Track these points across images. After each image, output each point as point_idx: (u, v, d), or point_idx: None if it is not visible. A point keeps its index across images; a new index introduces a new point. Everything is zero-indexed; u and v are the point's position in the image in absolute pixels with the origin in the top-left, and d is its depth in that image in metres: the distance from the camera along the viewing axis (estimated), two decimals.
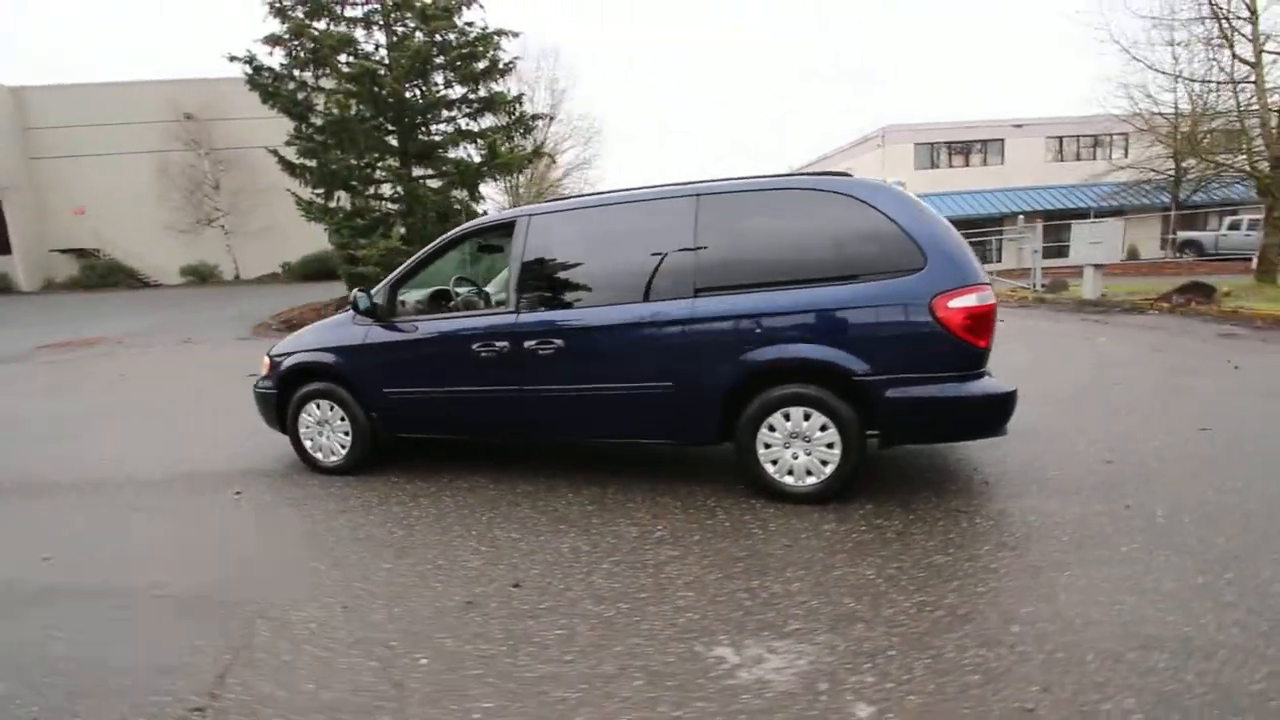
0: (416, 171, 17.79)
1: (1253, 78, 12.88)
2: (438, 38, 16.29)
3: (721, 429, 3.72)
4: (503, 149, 17.20)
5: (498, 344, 3.92)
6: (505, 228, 4.20)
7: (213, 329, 15.16)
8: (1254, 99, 13.12)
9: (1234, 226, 21.98)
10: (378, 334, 4.25)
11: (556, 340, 3.81)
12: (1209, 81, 13.97)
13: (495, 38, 16.74)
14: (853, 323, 3.40)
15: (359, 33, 16.66)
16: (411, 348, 4.18)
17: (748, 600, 2.70)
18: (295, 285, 23.64)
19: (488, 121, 18.26)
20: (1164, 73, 14.83)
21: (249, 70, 16.15)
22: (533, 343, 3.85)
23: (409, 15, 16.56)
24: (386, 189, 17.45)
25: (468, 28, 16.71)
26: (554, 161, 20.07)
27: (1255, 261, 17.68)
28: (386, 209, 17.53)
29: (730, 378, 3.58)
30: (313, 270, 24.42)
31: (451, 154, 17.85)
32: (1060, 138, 30.28)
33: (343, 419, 4.44)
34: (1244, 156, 13.70)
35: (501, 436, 4.20)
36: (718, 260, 3.62)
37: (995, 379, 3.42)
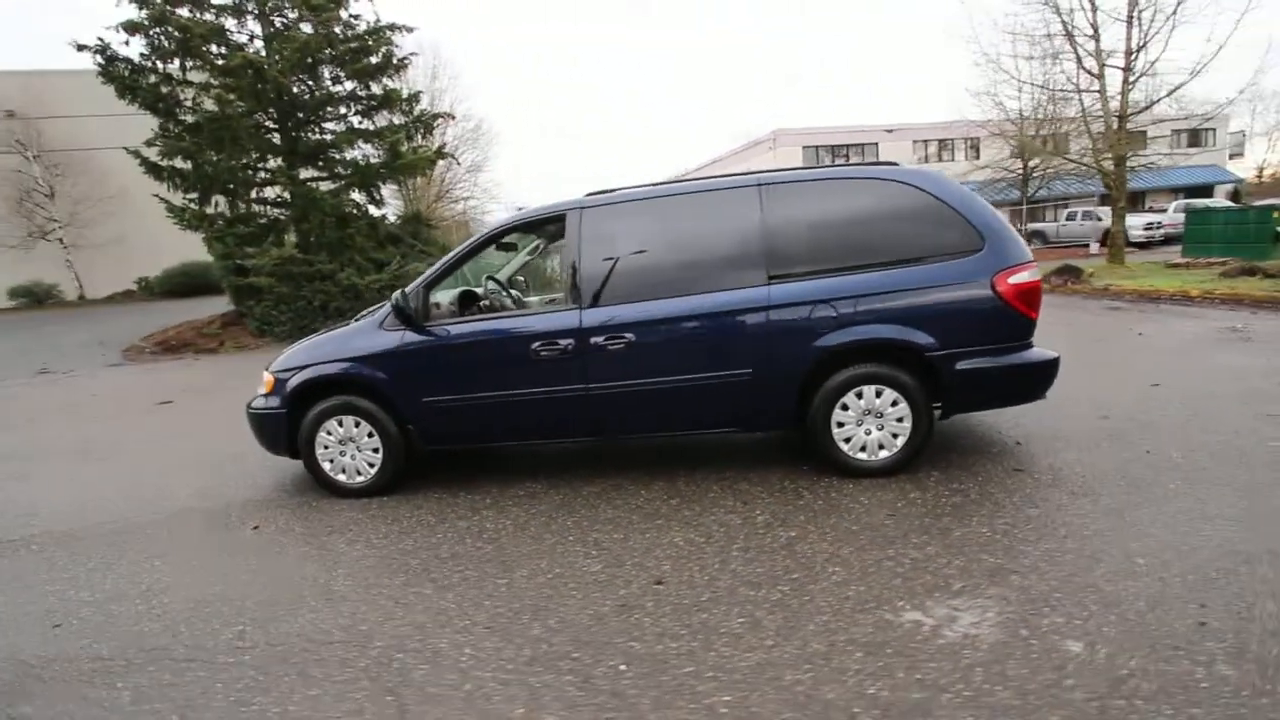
0: (306, 174, 16.51)
1: (1096, 87, 14.89)
2: (324, 30, 15.17)
3: (799, 412, 3.81)
4: (404, 150, 16.35)
5: (561, 342, 3.76)
6: (552, 222, 4.03)
7: (73, 357, 13.23)
8: (1096, 105, 15.17)
9: (1070, 217, 25.25)
10: (415, 339, 3.93)
11: (627, 335, 3.72)
12: (1063, 90, 15.96)
13: (387, 32, 15.87)
14: (923, 302, 3.60)
15: (230, 22, 15.17)
16: (459, 352, 3.91)
17: (897, 568, 2.80)
18: (158, 303, 21.09)
19: (384, 121, 17.28)
20: (1028, 82, 16.72)
21: (101, 61, 14.28)
22: (601, 339, 3.73)
23: (287, 4, 15.30)
24: (272, 192, 16.04)
25: (354, 20, 15.72)
26: (457, 163, 19.31)
27: (1096, 246, 20.35)
28: (274, 214, 16.14)
29: (809, 360, 3.68)
30: (178, 285, 21.92)
31: (346, 155, 16.75)
32: (925, 141, 33.55)
33: (371, 435, 4.06)
34: (1090, 156, 15.78)
35: (557, 438, 4.03)
36: (789, 247, 3.70)
37: (1041, 348, 3.76)
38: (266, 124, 15.95)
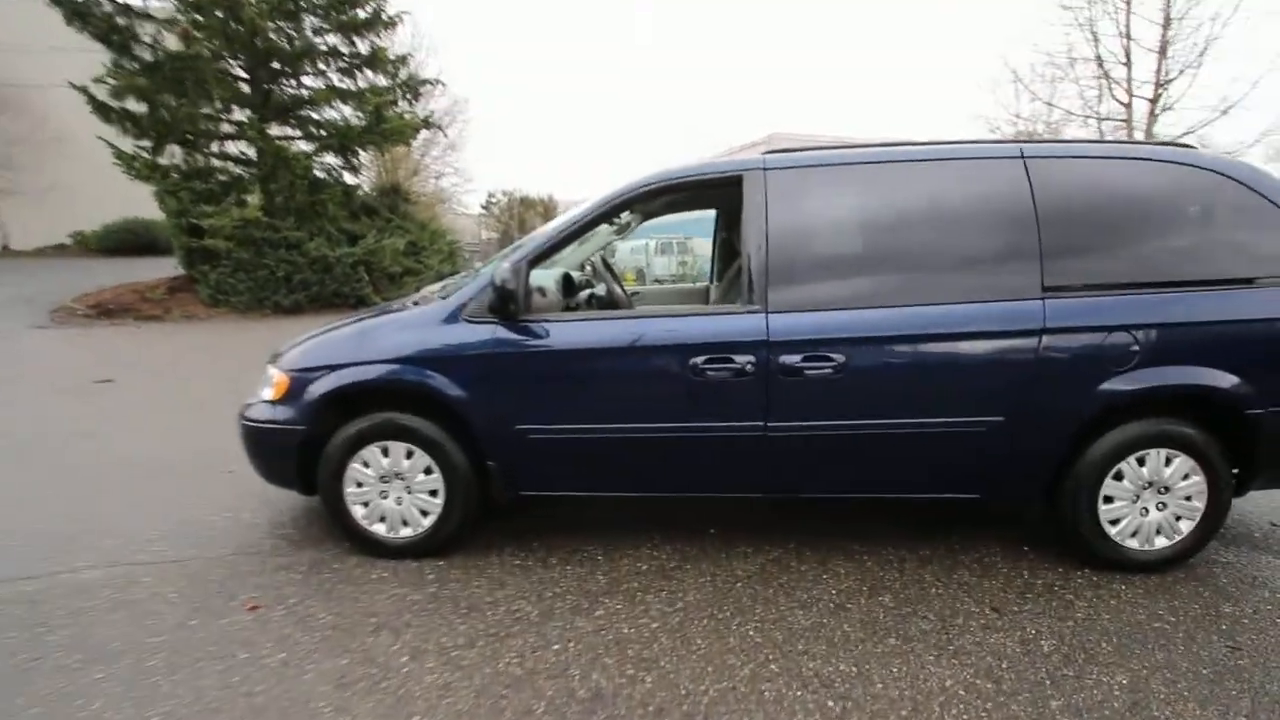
0: (278, 131, 14.78)
1: (1122, 115, 14.53)
2: None
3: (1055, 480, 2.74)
4: (390, 114, 14.79)
5: (738, 359, 2.59)
6: (720, 186, 2.85)
7: None
8: (1117, 132, 14.82)
9: None
10: (513, 338, 2.69)
11: (835, 355, 2.57)
12: (1080, 115, 15.59)
13: None
14: (1256, 340, 2.57)
15: None
16: (581, 362, 2.69)
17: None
18: (95, 260, 18.75)
19: (368, 82, 15.64)
20: (1064, 110, 16.27)
21: None
22: (795, 358, 2.58)
23: None
24: (237, 148, 14.25)
25: None
26: (444, 134, 17.75)
27: None
28: (237, 171, 14.37)
29: (1092, 409, 2.61)
30: (118, 242, 19.57)
31: (324, 114, 15.08)
32: None
33: (429, 471, 2.80)
34: None
35: (709, 493, 2.88)
36: (1073, 247, 2.63)
37: None
38: (236, 71, 14.20)
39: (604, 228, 4.16)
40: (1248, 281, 2.59)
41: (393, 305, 3.17)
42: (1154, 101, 14.57)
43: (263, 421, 2.90)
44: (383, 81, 15.53)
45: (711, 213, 4.75)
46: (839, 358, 2.57)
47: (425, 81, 16.67)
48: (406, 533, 2.87)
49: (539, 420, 2.71)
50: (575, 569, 2.82)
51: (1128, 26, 14.48)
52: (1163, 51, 14.50)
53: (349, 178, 15.79)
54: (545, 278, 3.16)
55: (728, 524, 3.24)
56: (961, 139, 3.01)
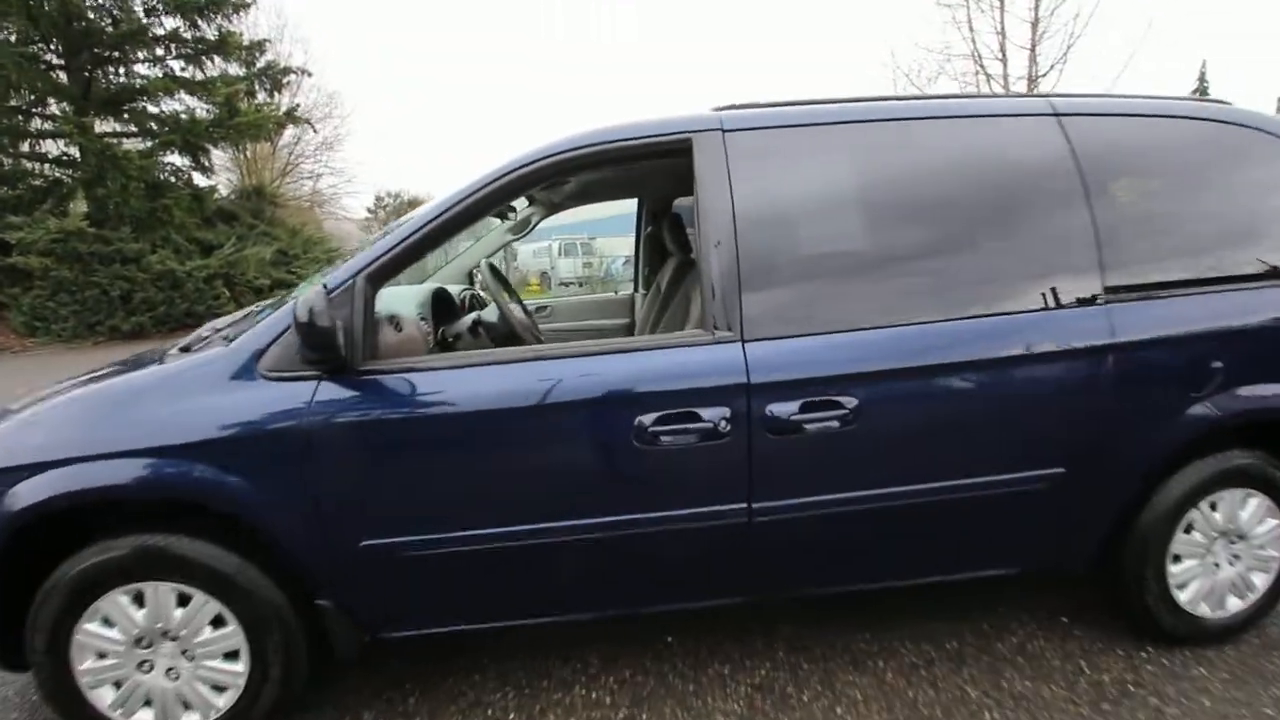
0: (107, 127, 12.68)
1: None
2: None
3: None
4: (245, 107, 12.98)
5: (706, 414, 1.69)
6: (659, 154, 1.91)
7: None
8: None
9: None
10: (344, 403, 1.66)
11: (844, 399, 1.72)
12: None
13: None
14: None
15: None
16: (457, 432, 1.69)
17: None
18: None
19: (218, 71, 13.74)
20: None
21: None
22: (789, 406, 1.70)
23: None
24: (56, 147, 12.06)
25: None
26: (313, 130, 15.87)
27: None
28: (56, 174, 12.19)
29: (1168, 446, 1.92)
30: None
31: (163, 107, 13.08)
32: None
33: (219, 623, 1.73)
34: None
35: (668, 605, 1.98)
36: (1134, 237, 1.92)
37: None
38: (49, 58, 12.00)
39: (498, 225, 3.20)
40: None
41: (148, 355, 2.03)
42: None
43: None
44: (236, 70, 13.68)
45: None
46: (850, 401, 1.73)
47: (288, 70, 14.87)
48: None
49: (397, 528, 1.70)
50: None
51: (1002, 24, 14.92)
52: (1032, 50, 15.03)
53: (200, 179, 13.79)
54: (403, 300, 2.14)
55: (690, 627, 2.35)
56: (971, 92, 2.25)
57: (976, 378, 1.82)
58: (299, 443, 1.63)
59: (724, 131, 1.84)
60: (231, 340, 1.73)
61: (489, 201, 1.83)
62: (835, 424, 1.72)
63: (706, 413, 1.69)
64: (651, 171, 2.75)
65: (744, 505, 1.76)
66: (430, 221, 1.75)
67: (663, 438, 1.68)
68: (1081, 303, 1.86)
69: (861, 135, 1.90)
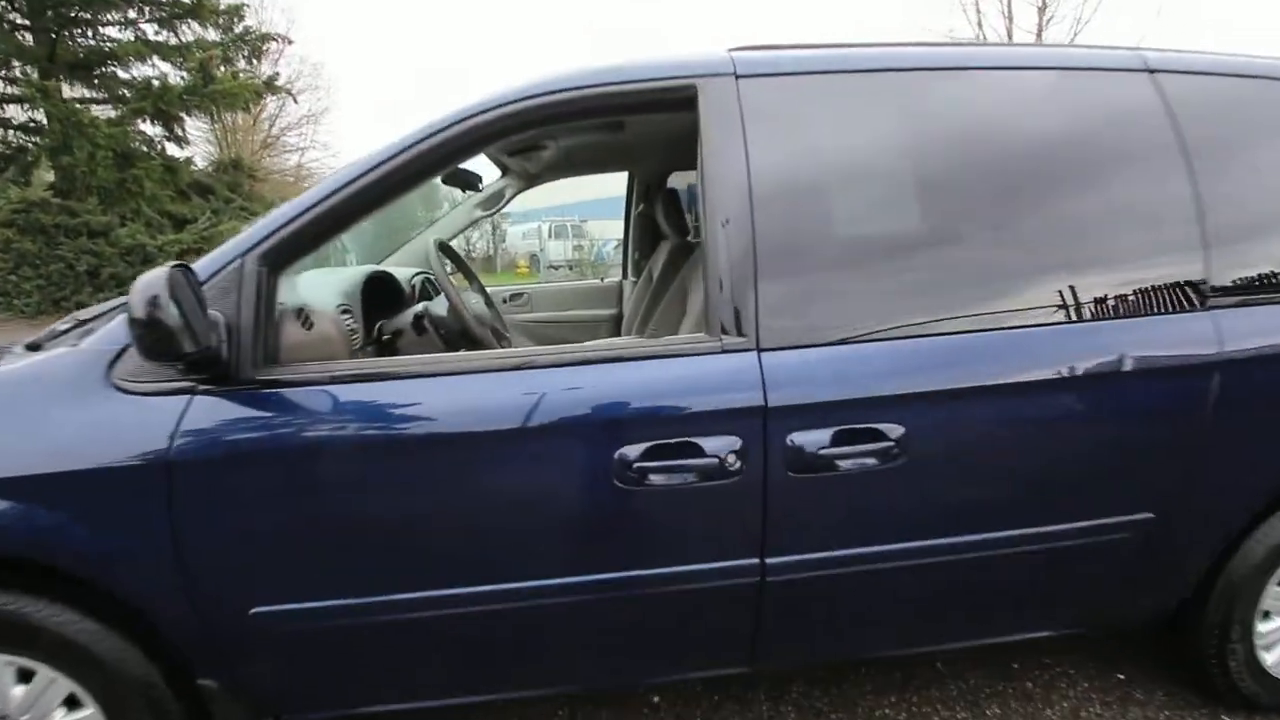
0: (74, 92, 12.08)
1: None
2: None
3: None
4: (222, 74, 12.36)
5: (709, 446, 1.29)
6: (656, 106, 1.47)
7: None
8: None
9: None
10: (229, 425, 1.24)
11: (889, 427, 1.33)
12: None
13: None
14: None
15: None
16: (380, 465, 1.28)
17: None
18: None
19: (193, 36, 13.11)
20: None
21: None
22: (819, 436, 1.31)
23: None
24: (20, 112, 11.46)
25: None
26: (295, 100, 15.20)
27: None
28: (18, 141, 11.60)
29: (1270, 482, 1.55)
30: None
31: (134, 72, 12.45)
32: None
33: (73, 705, 1.32)
34: None
35: (652, 679, 1.60)
36: (1244, 224, 1.53)
37: None
38: (13, 17, 11.35)
39: (465, 198, 2.78)
40: None
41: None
42: None
43: None
44: (212, 35, 13.05)
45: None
46: (895, 430, 1.33)
47: (268, 37, 14.20)
48: None
49: (300, 591, 1.29)
50: None
51: (1009, 7, 14.55)
52: (1039, 35, 14.66)
53: (175, 150, 13.18)
54: (322, 287, 1.71)
55: (681, 685, 1.97)
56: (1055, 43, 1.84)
57: (1056, 401, 1.43)
58: (161, 479, 1.21)
59: (738, 77, 1.42)
60: (81, 341, 1.30)
61: (434, 160, 1.40)
62: (874, 460, 1.33)
63: (709, 444, 1.28)
64: (644, 136, 2.32)
65: (756, 562, 1.37)
66: (350, 183, 1.32)
67: (652, 476, 1.28)
68: (1185, 305, 1.47)
69: (914, 85, 1.48)
